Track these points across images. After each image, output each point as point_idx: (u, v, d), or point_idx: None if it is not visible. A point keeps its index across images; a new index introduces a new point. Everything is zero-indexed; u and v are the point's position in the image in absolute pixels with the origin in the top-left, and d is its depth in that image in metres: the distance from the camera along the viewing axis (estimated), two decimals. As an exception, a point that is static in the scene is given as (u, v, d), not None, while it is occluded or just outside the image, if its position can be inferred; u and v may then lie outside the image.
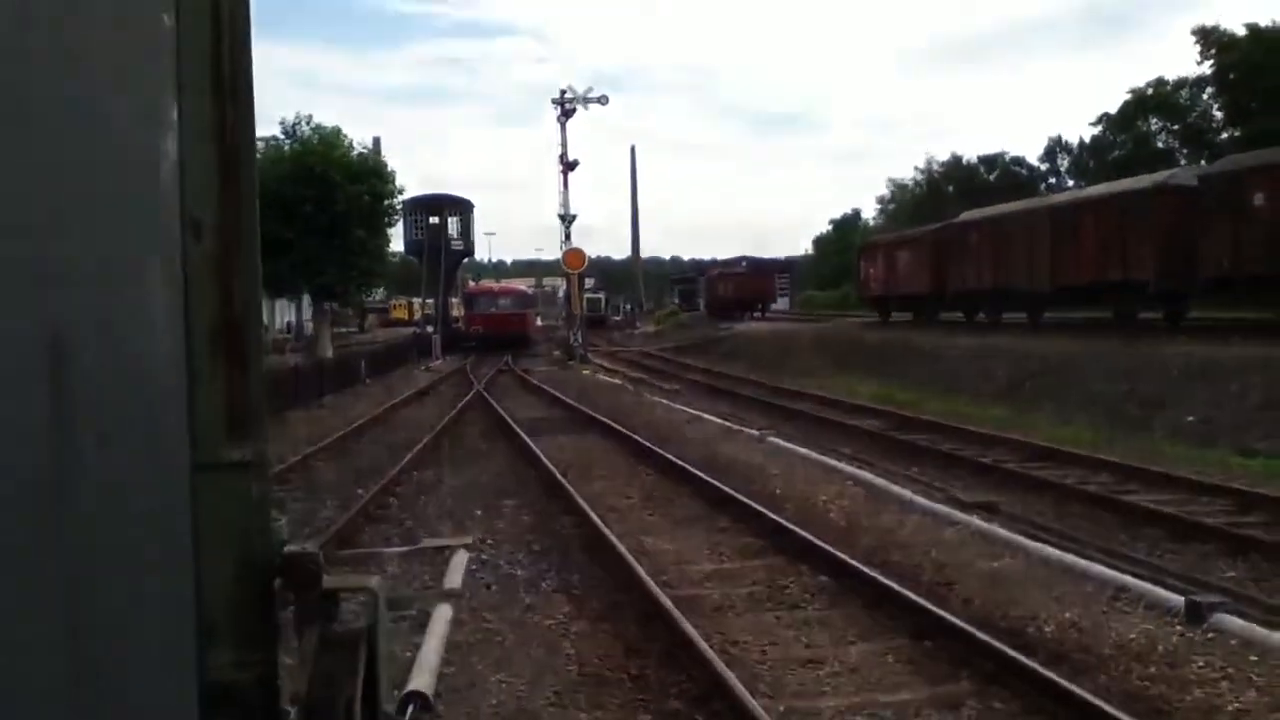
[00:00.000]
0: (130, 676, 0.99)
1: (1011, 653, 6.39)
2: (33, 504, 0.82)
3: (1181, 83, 57.28)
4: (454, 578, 8.85)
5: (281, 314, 69.54)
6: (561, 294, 59.59)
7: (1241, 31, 49.40)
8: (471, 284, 74.24)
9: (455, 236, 61.67)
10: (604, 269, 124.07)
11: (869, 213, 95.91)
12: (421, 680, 6.23)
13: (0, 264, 0.77)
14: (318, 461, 15.73)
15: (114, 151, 0.97)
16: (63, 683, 0.86)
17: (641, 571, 8.48)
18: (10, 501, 0.79)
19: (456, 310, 67.98)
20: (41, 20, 0.84)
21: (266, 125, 37.95)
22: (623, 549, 9.27)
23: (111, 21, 0.96)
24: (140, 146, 1.03)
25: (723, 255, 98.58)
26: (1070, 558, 8.80)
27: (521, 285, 72.07)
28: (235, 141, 1.72)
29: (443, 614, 7.72)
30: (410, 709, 5.73)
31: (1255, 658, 6.51)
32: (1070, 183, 65.11)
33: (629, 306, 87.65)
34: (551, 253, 76.99)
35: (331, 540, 9.77)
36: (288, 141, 37.04)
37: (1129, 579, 8.10)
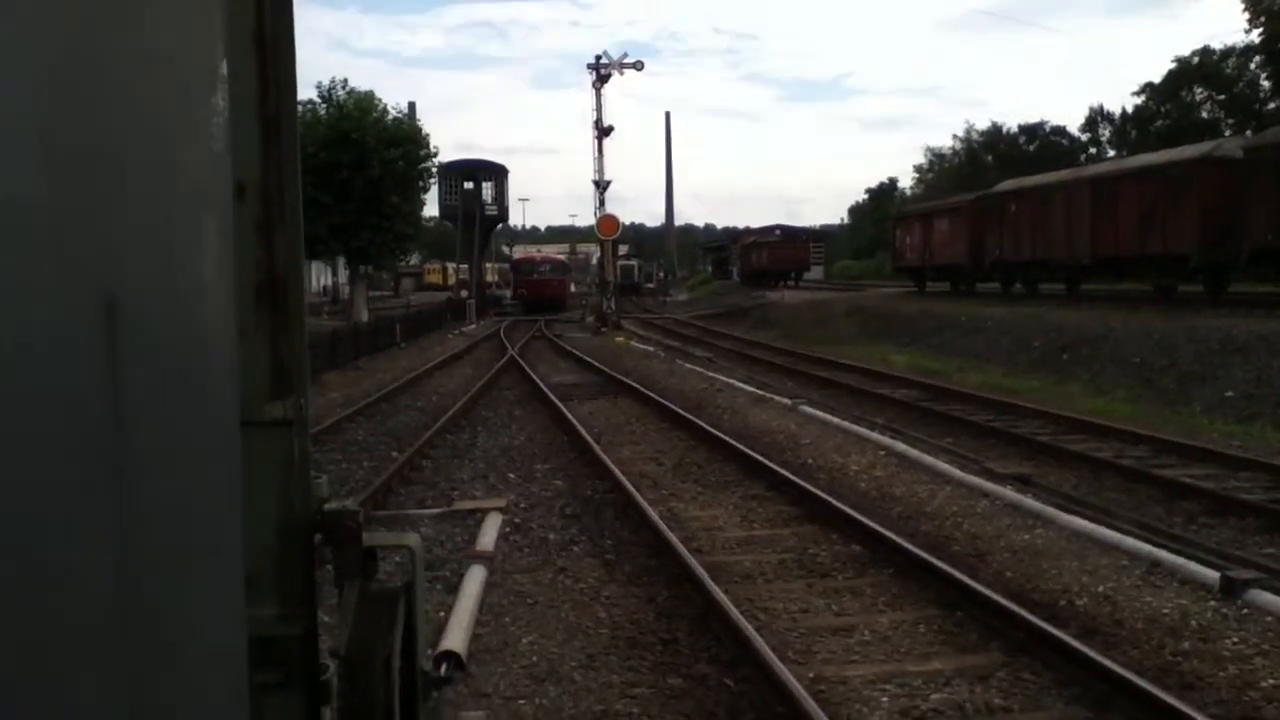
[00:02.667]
0: (179, 630, 1.01)
1: (1043, 625, 6.37)
2: (86, 461, 0.83)
3: (1228, 51, 56.17)
4: (487, 540, 8.93)
5: (318, 277, 70.15)
6: (595, 260, 59.92)
7: (1293, -2, 48.28)
8: (517, 252, 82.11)
9: (489, 202, 62.05)
10: (638, 236, 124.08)
11: (906, 182, 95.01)
12: (455, 640, 6.31)
13: (57, 219, 0.78)
14: (353, 423, 15.89)
15: (170, 108, 0.98)
16: (114, 636, 0.88)
17: (673, 537, 8.52)
18: (65, 457, 0.80)
19: (491, 275, 69.69)
20: None
21: (302, 89, 38.00)
22: (654, 515, 9.31)
23: None
24: (194, 103, 1.04)
25: (756, 223, 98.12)
26: (1104, 531, 8.75)
27: (558, 254, 74.97)
28: (277, 102, 1.73)
29: (476, 575, 7.80)
30: (444, 668, 5.81)
31: (1291, 634, 6.46)
32: (1111, 153, 64.09)
33: (662, 274, 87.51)
34: (585, 219, 78.01)
35: (366, 501, 9.88)
36: (323, 106, 37.13)
37: (1164, 553, 8.04)
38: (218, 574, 1.11)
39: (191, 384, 1.02)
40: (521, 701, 5.84)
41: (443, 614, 6.91)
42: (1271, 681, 5.84)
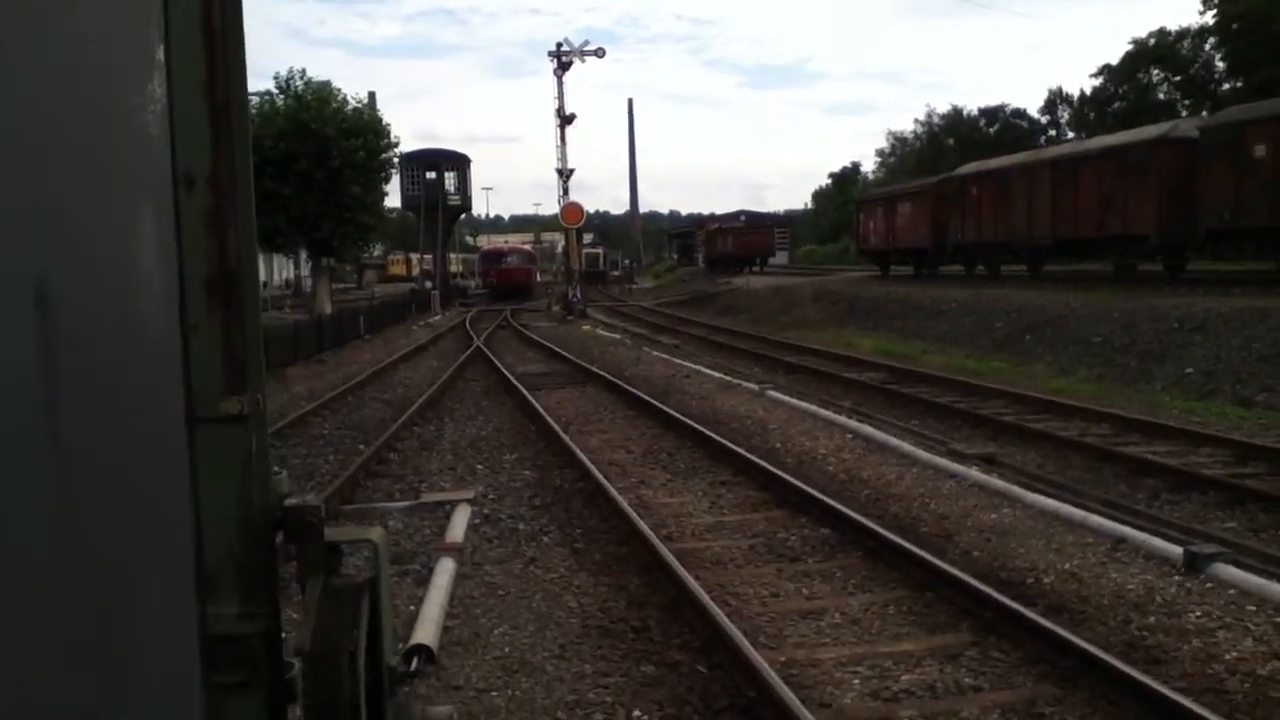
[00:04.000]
0: (132, 631, 0.98)
1: (1010, 603, 6.43)
2: (26, 461, 0.80)
3: (1184, 33, 56.81)
4: (456, 532, 8.89)
5: (279, 270, 69.58)
6: (560, 249, 60.09)
7: (1246, -19, 48.81)
8: (484, 243, 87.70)
9: (452, 192, 61.87)
10: (602, 224, 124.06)
11: (868, 166, 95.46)
12: (425, 633, 6.27)
13: None
14: (318, 417, 15.75)
15: (100, 95, 0.94)
16: (63, 637, 0.85)
17: (643, 525, 8.51)
18: (3, 458, 0.77)
19: (455, 265, 70.73)
20: None
21: (259, 80, 37.65)
22: (624, 503, 9.30)
23: None
24: (126, 90, 1.00)
25: (721, 210, 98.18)
26: (1069, 509, 8.84)
27: (523, 244, 78.77)
28: (226, 90, 1.68)
29: (445, 568, 7.76)
30: (414, 662, 5.77)
31: (1253, 607, 6.55)
32: (1071, 135, 64.65)
33: (627, 261, 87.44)
34: (549, 208, 78.99)
35: (333, 496, 9.80)
36: (281, 96, 36.70)
37: (1128, 530, 8.14)
38: (168, 574, 1.07)
39: (132, 378, 0.99)
40: (494, 693, 5.82)
41: (413, 607, 6.87)
42: (1234, 654, 5.92)
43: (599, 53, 44.25)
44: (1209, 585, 6.99)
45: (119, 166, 0.98)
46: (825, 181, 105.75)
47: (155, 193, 1.04)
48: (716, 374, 19.55)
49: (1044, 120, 74.12)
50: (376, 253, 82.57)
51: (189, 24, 1.62)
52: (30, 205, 0.81)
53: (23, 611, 0.80)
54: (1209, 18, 51.77)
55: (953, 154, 64.62)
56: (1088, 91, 66.44)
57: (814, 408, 14.90)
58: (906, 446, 11.84)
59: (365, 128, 37.38)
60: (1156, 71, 59.37)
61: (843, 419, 13.87)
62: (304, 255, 47.67)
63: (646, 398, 15.92)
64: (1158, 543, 7.77)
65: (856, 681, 5.79)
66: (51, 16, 0.85)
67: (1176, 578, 7.17)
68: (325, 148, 35.05)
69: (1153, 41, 58.48)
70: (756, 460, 10.98)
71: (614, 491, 9.76)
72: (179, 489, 1.11)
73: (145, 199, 1.02)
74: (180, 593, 1.11)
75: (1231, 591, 6.84)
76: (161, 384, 1.05)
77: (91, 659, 0.90)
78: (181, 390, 1.12)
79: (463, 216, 72.80)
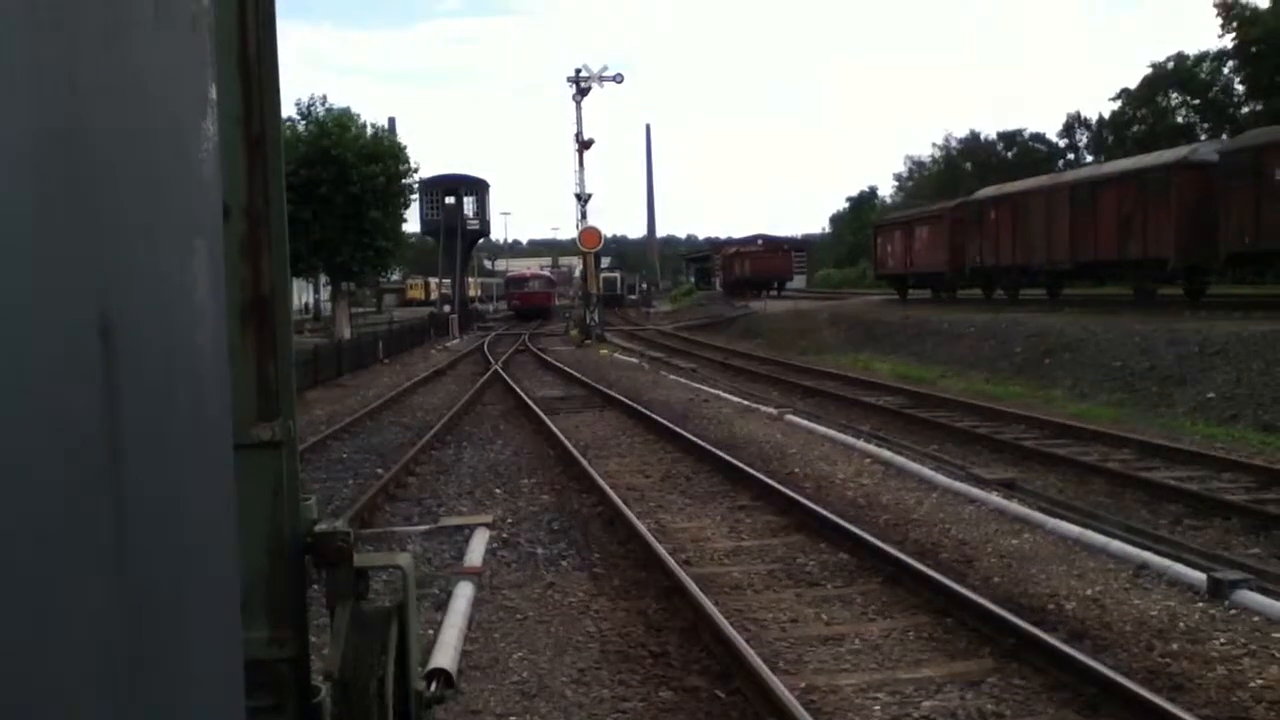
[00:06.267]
0: (178, 658, 1.00)
1: (1032, 629, 6.39)
2: (83, 486, 0.82)
3: (1203, 56, 56.68)
4: (475, 556, 8.90)
5: (300, 294, 70.07)
6: (577, 273, 60.39)
7: (1264, 4, 48.73)
8: (503, 266, 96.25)
9: (471, 216, 62.31)
10: (620, 248, 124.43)
11: (886, 190, 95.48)
12: (445, 658, 6.28)
13: (50, 242, 0.77)
14: (337, 440, 15.81)
15: (161, 133, 0.97)
16: (108, 663, 0.87)
17: (661, 550, 8.50)
18: (62, 482, 0.79)
19: (474, 289, 73.05)
20: None
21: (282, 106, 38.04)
22: (642, 527, 9.29)
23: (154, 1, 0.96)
24: (183, 128, 1.03)
25: (739, 233, 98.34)
26: (1091, 534, 8.78)
27: (543, 270, 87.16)
28: (262, 124, 1.72)
29: (464, 592, 7.77)
30: (434, 686, 5.77)
31: (1278, 634, 6.49)
32: (1089, 159, 64.49)
33: (645, 285, 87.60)
34: (567, 232, 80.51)
35: (353, 519, 9.83)
36: (303, 123, 37.08)
37: (1150, 556, 8.08)
38: (214, 600, 1.10)
39: (187, 408, 1.01)
40: (513, 718, 5.81)
41: (432, 631, 6.88)
42: (1260, 681, 5.86)
43: (618, 78, 44.46)
44: (1233, 612, 6.93)
45: (176, 203, 1.01)
46: (843, 205, 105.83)
47: (207, 227, 1.08)
48: (734, 398, 19.52)
49: (1062, 144, 74.03)
50: (395, 277, 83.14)
51: (227, 60, 1.66)
52: (96, 242, 0.84)
53: (70, 631, 0.82)
54: (1228, 40, 51.67)
55: (970, 178, 64.57)
56: (1106, 115, 66.38)
57: (832, 432, 14.86)
58: (926, 471, 11.79)
59: (385, 153, 37.70)
60: (1175, 95, 59.22)
61: (861, 443, 13.83)
62: (323, 279, 48.02)
63: (664, 422, 15.91)
64: (1180, 569, 7.71)
65: (877, 708, 5.76)
66: (116, 56, 0.88)
67: (1200, 604, 7.11)
68: (345, 173, 35.38)
69: (1171, 65, 58.37)
70: (775, 485, 10.96)
71: (632, 516, 9.75)
72: (224, 517, 1.13)
73: (198, 234, 1.05)
74: (223, 620, 1.13)
75: (1256, 618, 6.78)
76: (211, 412, 1.08)
77: (133, 684, 0.92)
78: (228, 418, 1.15)
79: (481, 241, 73.54)
